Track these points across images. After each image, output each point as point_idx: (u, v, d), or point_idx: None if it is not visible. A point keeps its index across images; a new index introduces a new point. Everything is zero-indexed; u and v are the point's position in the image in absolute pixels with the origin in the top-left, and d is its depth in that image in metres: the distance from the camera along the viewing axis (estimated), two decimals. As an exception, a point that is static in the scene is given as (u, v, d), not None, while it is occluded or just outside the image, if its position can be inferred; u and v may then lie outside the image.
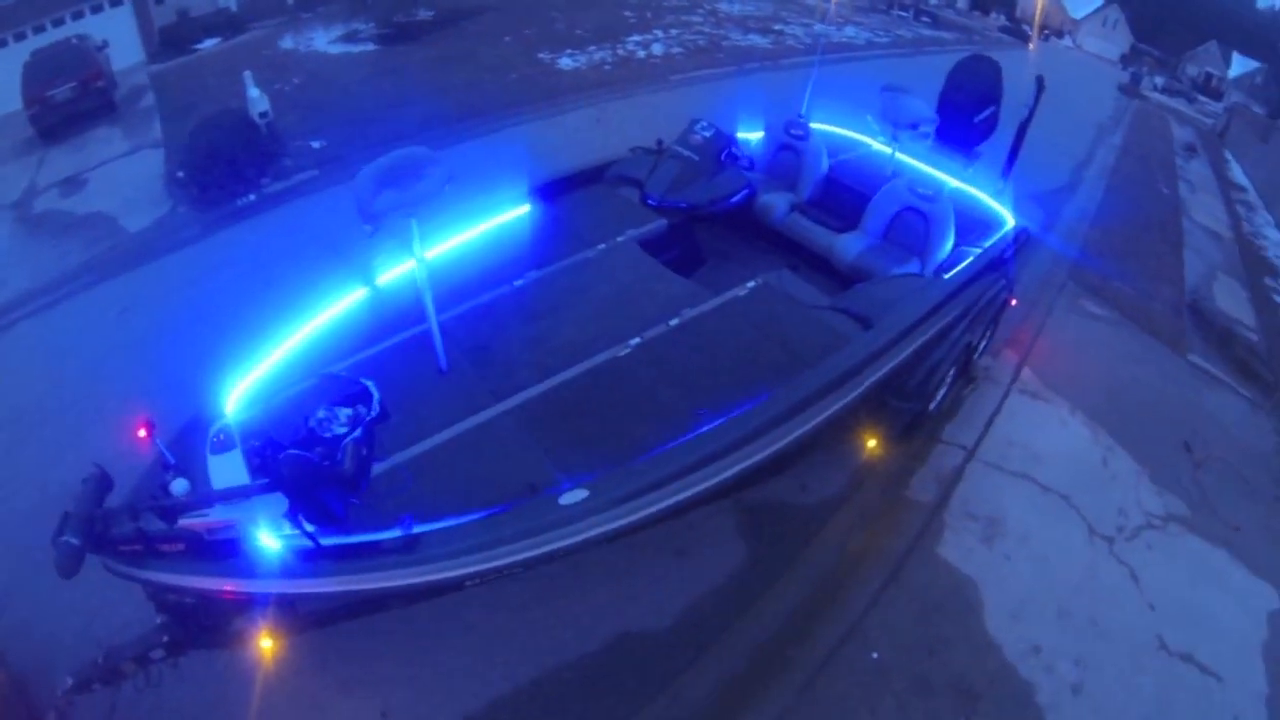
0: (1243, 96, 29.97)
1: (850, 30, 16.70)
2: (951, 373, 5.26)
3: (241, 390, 2.96)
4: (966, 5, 28.99)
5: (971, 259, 4.41)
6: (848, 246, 4.66)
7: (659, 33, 12.13)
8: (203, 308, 5.58)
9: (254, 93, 7.79)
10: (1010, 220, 4.92)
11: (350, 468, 2.18)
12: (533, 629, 3.42)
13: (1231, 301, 9.87)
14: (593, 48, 10.51)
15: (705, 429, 2.81)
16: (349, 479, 2.19)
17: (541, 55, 9.60)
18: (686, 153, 4.55)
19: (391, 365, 3.05)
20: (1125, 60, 33.19)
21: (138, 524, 2.23)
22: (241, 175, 7.32)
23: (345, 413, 2.49)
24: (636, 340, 3.23)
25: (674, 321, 3.36)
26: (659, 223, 4.26)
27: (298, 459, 2.20)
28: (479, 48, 12.74)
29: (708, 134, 4.57)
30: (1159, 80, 29.54)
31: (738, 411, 2.87)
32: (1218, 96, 31.62)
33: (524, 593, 3.52)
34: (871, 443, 4.56)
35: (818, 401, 3.18)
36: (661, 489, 2.71)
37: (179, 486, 2.32)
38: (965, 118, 5.30)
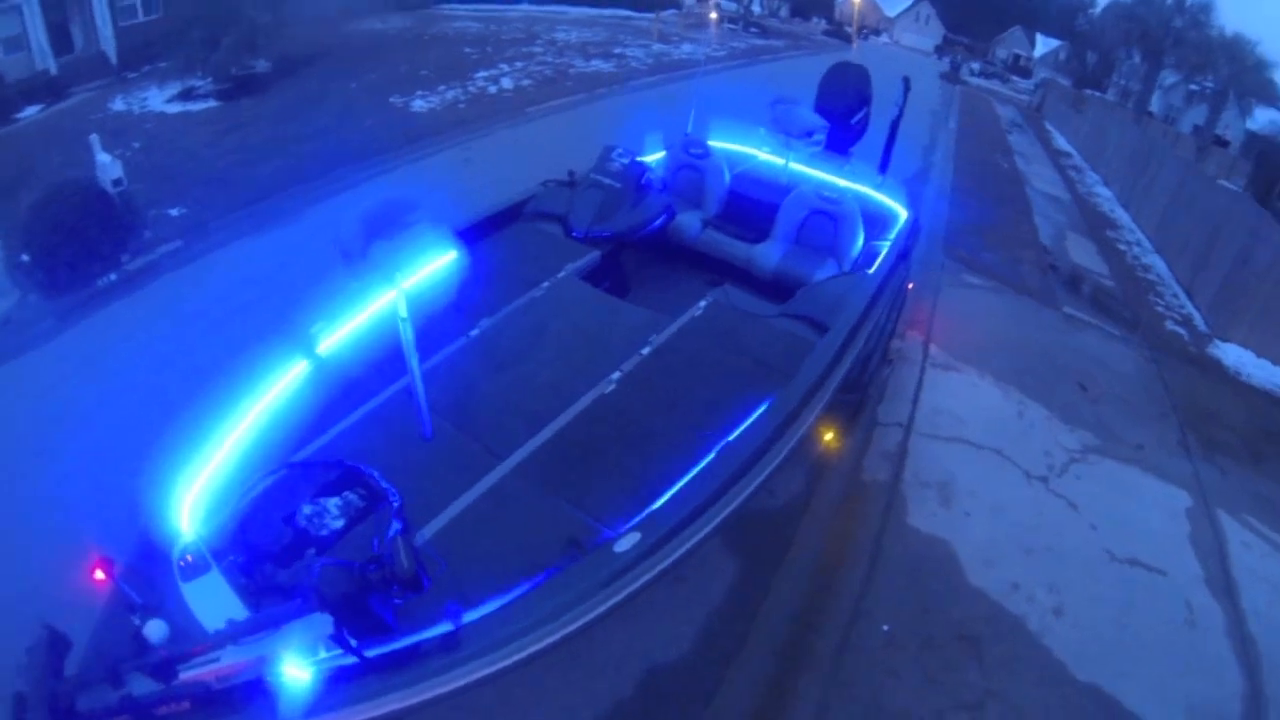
0: (1050, 72, 35.37)
1: (687, 47, 18.28)
2: (875, 359, 6.00)
3: (191, 501, 2.59)
4: (788, 13, 32.40)
5: (885, 252, 5.10)
6: (766, 255, 5.18)
7: (504, 66, 12.81)
8: (72, 417, 5.17)
9: (104, 158, 7.28)
10: (904, 212, 5.73)
11: (408, 566, 1.97)
12: (568, 688, 3.56)
13: (1084, 255, 11.65)
14: (443, 87, 10.94)
15: (719, 446, 2.94)
16: (410, 579, 1.98)
17: (393, 99, 9.87)
18: (607, 181, 4.80)
19: (364, 440, 2.92)
20: (940, 50, 38.41)
21: (124, 691, 1.86)
22: (98, 253, 6.70)
23: (334, 502, 2.42)
24: (617, 374, 3.36)
25: (645, 350, 3.53)
26: (593, 254, 4.50)
27: (342, 570, 1.98)
28: (326, 96, 12.75)
29: (625, 160, 4.89)
30: (975, 66, 34.36)
31: (737, 425, 3.07)
32: (1028, 75, 37.15)
33: (546, 655, 3.67)
34: (829, 436, 5.11)
35: (810, 403, 3.48)
36: (705, 514, 2.75)
37: (156, 630, 1.99)
38: (842, 121, 6.15)
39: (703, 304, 4.01)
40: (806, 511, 5.19)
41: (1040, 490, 5.90)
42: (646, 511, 2.65)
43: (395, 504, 2.32)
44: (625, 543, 2.50)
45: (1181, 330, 9.67)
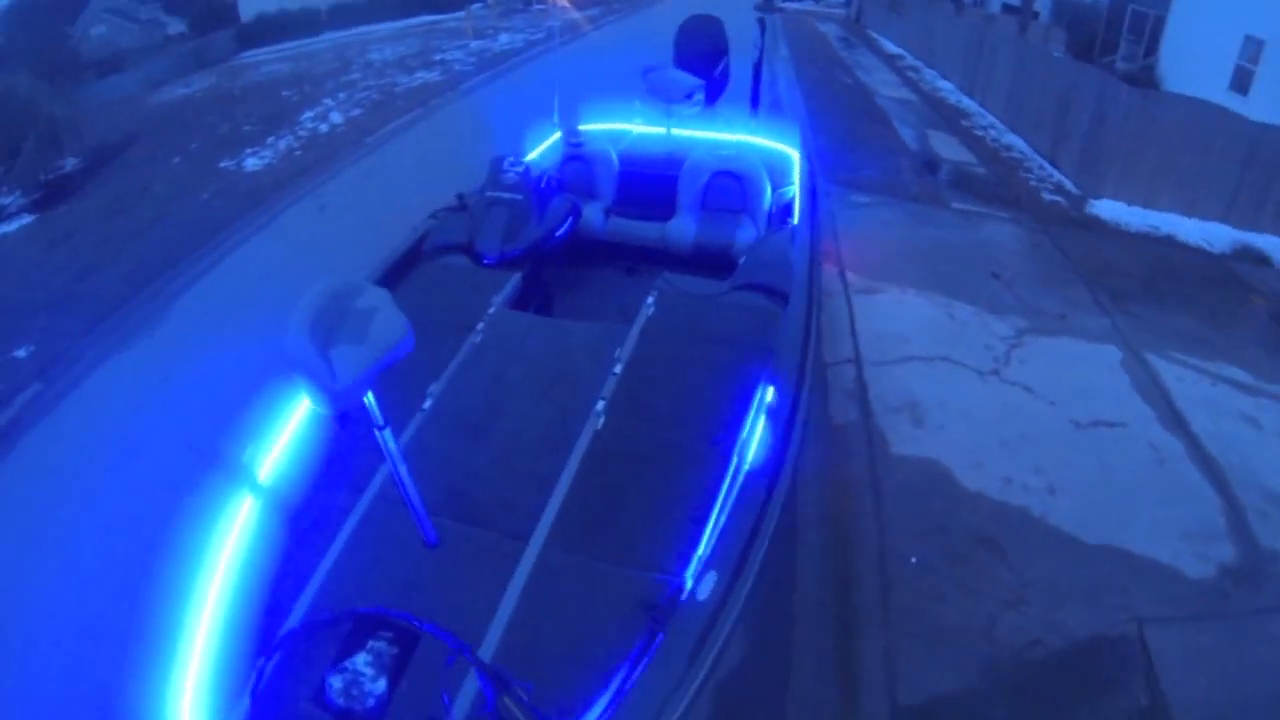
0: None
1: (504, 38, 18.25)
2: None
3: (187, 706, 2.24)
4: None
5: (799, 197, 5.32)
6: (681, 231, 5.26)
7: (328, 101, 12.40)
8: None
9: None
10: (794, 151, 5.99)
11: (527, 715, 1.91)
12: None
13: (950, 149, 12.61)
14: (271, 138, 10.46)
15: (736, 444, 2.88)
16: None
17: (223, 164, 9.32)
18: (507, 195, 4.56)
19: (355, 574, 2.58)
20: None
21: None
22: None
23: (363, 661, 2.15)
24: (601, 403, 3.20)
25: (617, 368, 3.40)
26: (513, 278, 4.24)
27: None
28: (151, 179, 11.90)
29: (519, 169, 4.70)
30: None
31: (742, 417, 3.03)
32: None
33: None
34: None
35: (804, 373, 3.53)
36: (765, 522, 2.67)
37: None
38: (706, 74, 6.34)
39: (650, 301, 3.94)
40: (799, 476, 5.41)
41: (995, 384, 6.43)
42: (702, 542, 2.53)
43: (444, 638, 2.01)
44: (705, 587, 2.35)
45: (1059, 198, 10.72)
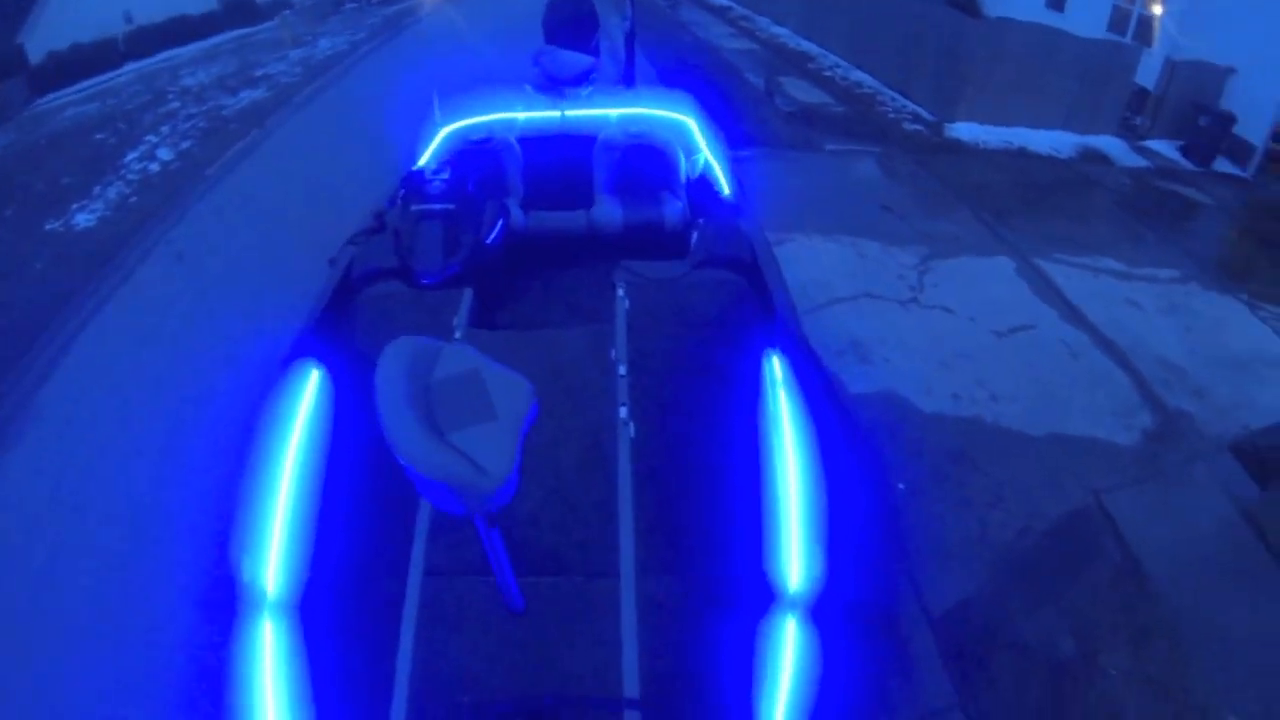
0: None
1: (325, 42, 17.66)
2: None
3: None
4: None
5: (718, 163, 5.76)
6: (608, 214, 5.41)
7: (151, 137, 11.54)
8: None
9: None
10: (686, 117, 6.35)
11: None
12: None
13: (805, 93, 13.66)
14: (98, 188, 9.60)
15: (762, 418, 2.97)
16: None
17: (49, 225, 8.48)
18: (438, 206, 4.46)
19: (450, 666, 2.43)
20: None
21: None
22: None
23: None
24: (624, 410, 3.21)
25: (621, 370, 3.42)
26: (465, 294, 4.22)
27: None
28: None
29: (445, 175, 4.60)
30: None
31: (759, 395, 3.14)
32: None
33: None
34: None
35: (800, 335, 3.75)
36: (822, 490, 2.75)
37: None
38: (580, 49, 6.60)
39: (621, 293, 4.01)
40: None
41: (917, 311, 7.31)
42: (784, 529, 2.64)
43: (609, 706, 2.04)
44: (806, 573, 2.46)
45: (919, 126, 11.99)
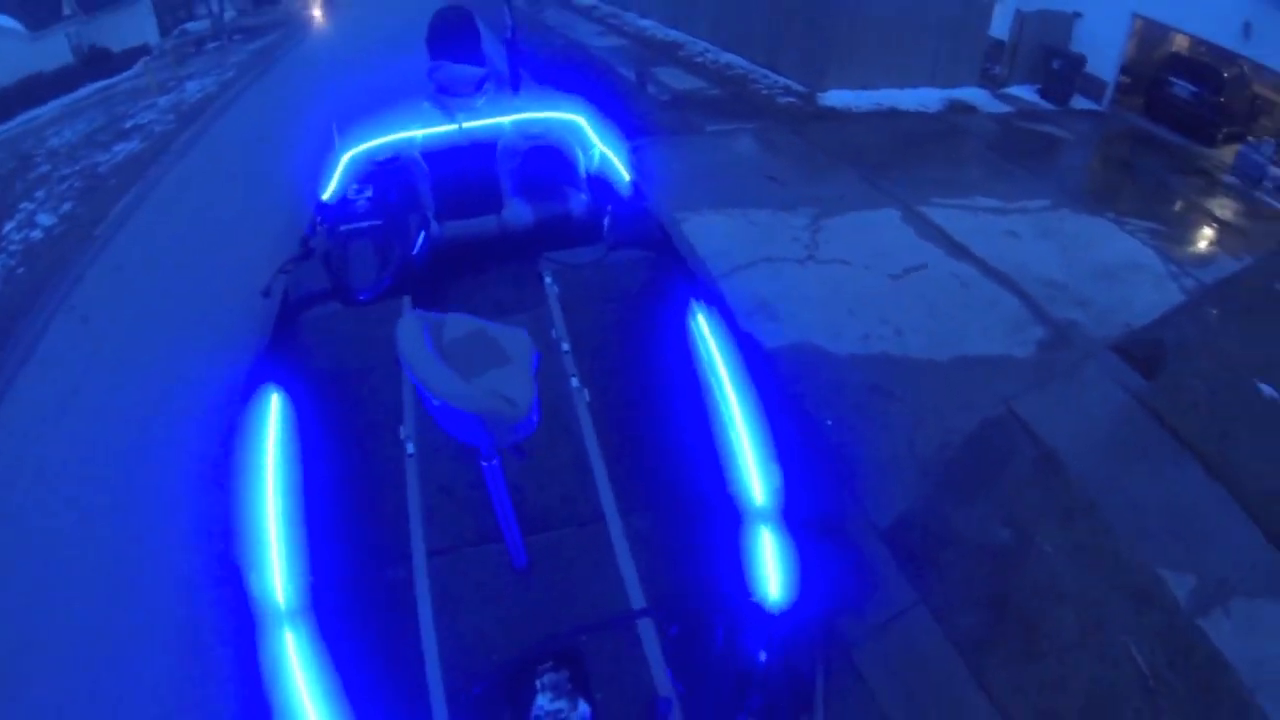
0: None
1: (193, 85, 17.05)
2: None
3: None
4: (251, 3, 31.40)
5: (615, 155, 5.95)
6: (519, 215, 5.58)
7: (26, 205, 10.86)
8: None
9: None
10: (577, 115, 6.60)
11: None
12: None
13: (680, 80, 14.09)
14: None
15: (696, 359, 3.23)
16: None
17: None
18: (366, 224, 4.65)
19: (466, 629, 2.65)
20: None
21: None
22: None
23: (548, 699, 2.26)
24: (574, 379, 3.42)
25: (565, 346, 3.59)
26: (405, 302, 4.44)
27: None
28: None
29: (368, 192, 4.77)
30: None
31: (686, 341, 3.36)
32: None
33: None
34: None
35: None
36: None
37: None
38: (467, 61, 6.78)
39: (549, 280, 4.31)
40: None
41: (815, 266, 7.69)
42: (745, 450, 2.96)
43: (618, 621, 2.30)
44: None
45: (792, 99, 12.57)
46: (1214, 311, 7.51)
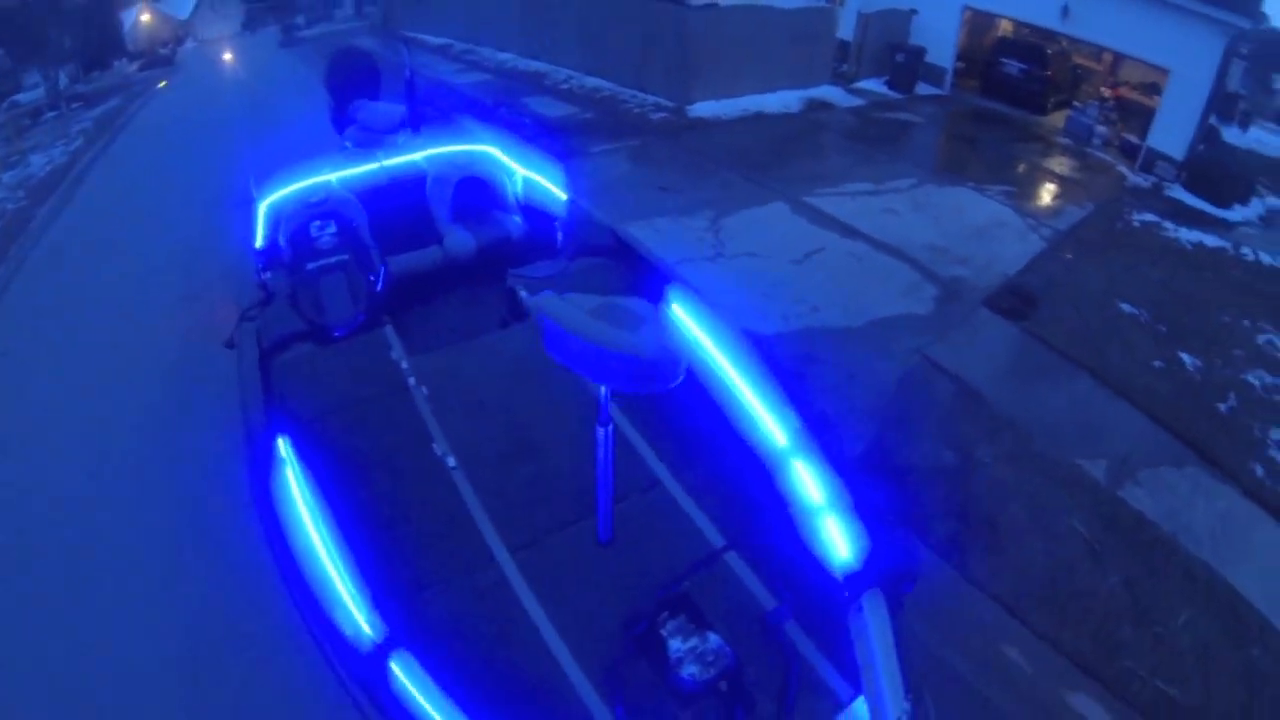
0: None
1: (39, 159, 16.23)
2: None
3: None
4: (81, 72, 30.30)
5: (532, 177, 6.35)
6: (459, 244, 5.76)
7: None
8: None
9: None
10: (490, 146, 6.94)
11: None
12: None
13: (552, 109, 14.72)
14: None
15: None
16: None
17: None
18: (334, 259, 4.63)
19: (581, 604, 2.87)
20: (249, 24, 41.92)
21: None
22: None
23: (679, 640, 2.57)
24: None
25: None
26: (387, 330, 4.48)
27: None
28: None
29: (333, 229, 4.82)
30: (299, 20, 38.72)
31: (664, 316, 3.48)
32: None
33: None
34: None
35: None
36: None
37: None
38: (368, 99, 7.08)
39: (524, 294, 4.65)
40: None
41: (725, 262, 8.42)
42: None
43: (702, 564, 2.73)
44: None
45: (664, 114, 13.44)
46: (1069, 256, 8.76)
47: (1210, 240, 10.32)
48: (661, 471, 3.38)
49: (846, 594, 2.67)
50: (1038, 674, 3.82)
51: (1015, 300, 7.33)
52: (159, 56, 34.18)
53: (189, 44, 39.27)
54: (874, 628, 2.59)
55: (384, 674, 2.46)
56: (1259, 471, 5.50)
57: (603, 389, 2.64)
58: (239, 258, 6.53)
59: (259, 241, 5.66)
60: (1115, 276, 8.01)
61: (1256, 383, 6.69)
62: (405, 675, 2.44)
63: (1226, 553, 4.72)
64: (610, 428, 2.75)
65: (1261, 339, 7.44)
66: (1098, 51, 16.29)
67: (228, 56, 31.93)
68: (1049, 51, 15.15)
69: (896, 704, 2.39)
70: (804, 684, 2.61)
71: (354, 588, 2.69)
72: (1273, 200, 13.10)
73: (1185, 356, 6.87)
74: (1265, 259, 9.99)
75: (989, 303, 7.32)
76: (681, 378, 2.49)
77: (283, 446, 3.32)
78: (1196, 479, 5.34)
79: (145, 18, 38.30)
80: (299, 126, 8.73)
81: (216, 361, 5.80)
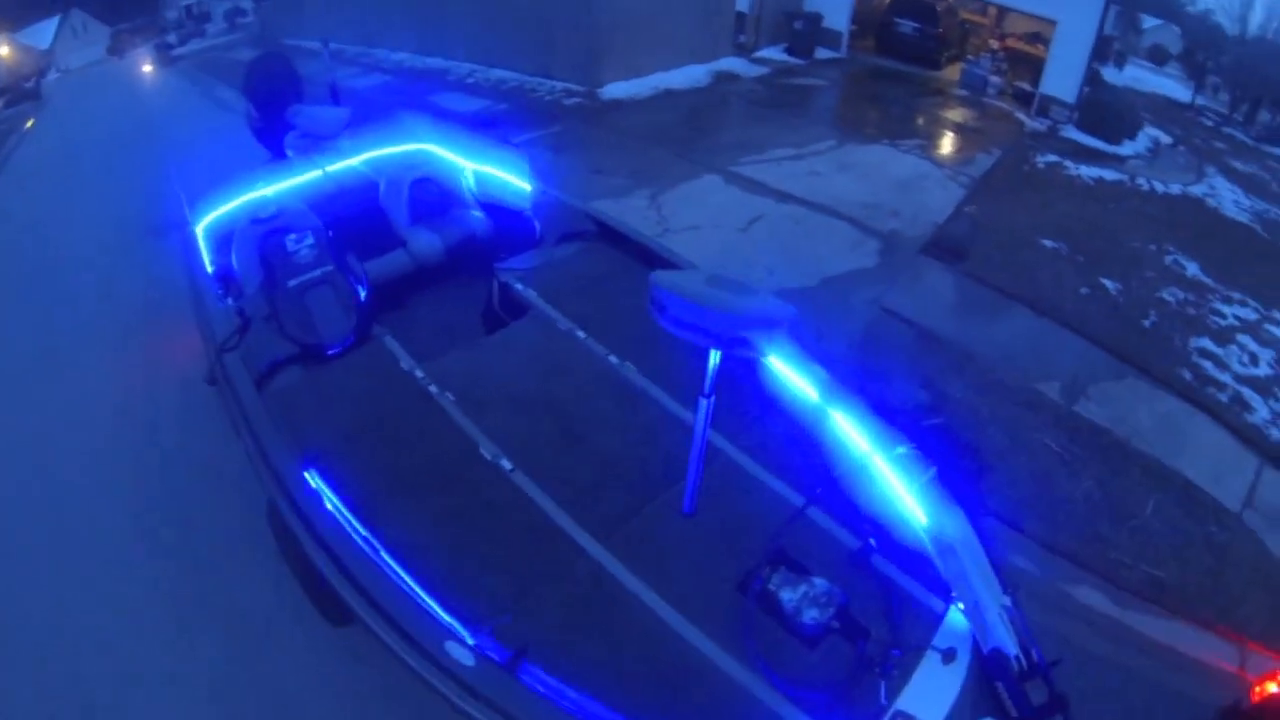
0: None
1: None
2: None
3: None
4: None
5: (484, 170, 6.45)
6: (426, 245, 5.68)
7: None
8: None
9: None
10: (427, 144, 6.91)
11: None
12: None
13: (461, 104, 14.68)
14: None
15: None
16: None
17: None
18: (319, 272, 4.53)
19: (682, 574, 3.00)
20: (115, 48, 40.50)
21: None
22: None
23: (789, 589, 2.78)
24: (613, 357, 3.99)
25: (580, 334, 4.17)
26: (387, 339, 4.44)
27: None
28: None
29: (310, 241, 4.71)
30: (171, 38, 37.57)
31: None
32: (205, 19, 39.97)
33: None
34: None
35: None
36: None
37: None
38: (291, 102, 7.00)
39: (521, 286, 4.62)
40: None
41: (672, 236, 8.72)
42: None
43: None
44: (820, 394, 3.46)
45: (578, 99, 13.62)
46: (988, 200, 9.47)
47: (1109, 174, 11.29)
48: (719, 440, 3.44)
49: (924, 518, 2.97)
50: (1044, 576, 4.35)
51: (949, 245, 7.93)
52: (24, 91, 32.62)
53: (52, 74, 37.24)
54: (959, 538, 2.90)
55: (518, 692, 2.48)
56: (1188, 376, 6.25)
57: (714, 358, 2.70)
58: (172, 289, 6.36)
59: (208, 267, 5.43)
60: (1033, 215, 8.74)
61: (1171, 299, 7.50)
62: (539, 687, 2.48)
63: (1172, 447, 5.39)
64: (713, 399, 2.79)
65: (1168, 259, 8.31)
66: (983, 7, 17.41)
67: (100, 83, 30.37)
68: (939, 9, 16.10)
69: (996, 599, 2.70)
70: (903, 606, 2.85)
71: (451, 615, 2.70)
72: (1155, 132, 14.39)
73: (1106, 282, 7.62)
74: (1159, 187, 11.03)
75: (926, 250, 7.91)
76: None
77: (310, 480, 3.27)
78: (1136, 388, 6.03)
79: (3, 51, 36.14)
80: (215, 146, 8.60)
81: (166, 403, 5.68)
